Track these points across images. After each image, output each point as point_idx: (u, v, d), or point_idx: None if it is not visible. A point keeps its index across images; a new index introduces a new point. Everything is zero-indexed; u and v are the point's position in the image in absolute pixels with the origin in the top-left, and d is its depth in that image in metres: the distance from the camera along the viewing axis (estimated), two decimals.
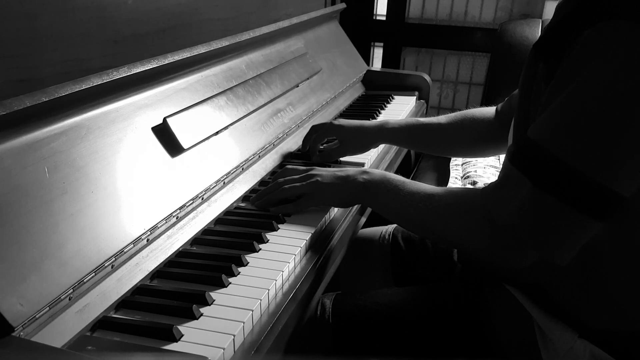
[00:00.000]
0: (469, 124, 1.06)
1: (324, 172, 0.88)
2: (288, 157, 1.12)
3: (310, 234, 0.82)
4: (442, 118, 1.09)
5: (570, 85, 0.60)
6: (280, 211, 0.86)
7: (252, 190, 0.95)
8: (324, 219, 0.87)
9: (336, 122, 1.10)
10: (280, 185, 0.89)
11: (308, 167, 0.91)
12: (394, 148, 1.25)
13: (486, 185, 0.74)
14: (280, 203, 0.88)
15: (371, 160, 1.14)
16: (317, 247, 0.83)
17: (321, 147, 1.14)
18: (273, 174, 1.03)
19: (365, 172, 0.85)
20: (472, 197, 0.73)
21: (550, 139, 0.61)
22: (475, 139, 1.06)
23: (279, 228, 0.83)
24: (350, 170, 0.86)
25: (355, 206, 0.96)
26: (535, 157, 0.62)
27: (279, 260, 0.75)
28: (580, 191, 0.59)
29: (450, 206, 0.75)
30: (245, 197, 0.94)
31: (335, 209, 0.92)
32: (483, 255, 0.77)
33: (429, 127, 1.08)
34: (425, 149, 1.16)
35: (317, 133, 1.11)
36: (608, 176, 0.58)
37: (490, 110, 1.06)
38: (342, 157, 1.11)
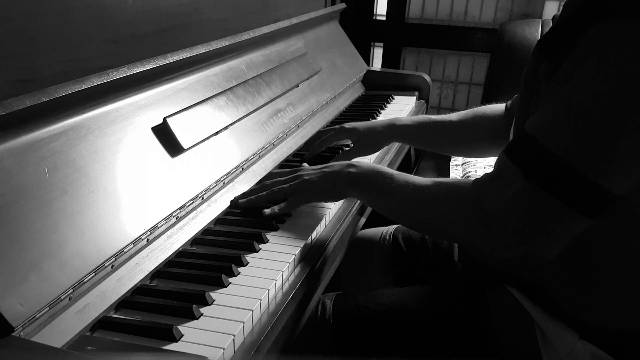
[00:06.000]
0: (480, 121, 1.04)
1: (310, 170, 0.87)
2: (289, 157, 1.12)
3: (310, 235, 0.82)
4: (453, 116, 1.07)
5: (568, 81, 0.61)
6: (273, 213, 0.85)
7: None
8: (323, 219, 0.87)
9: (347, 125, 1.09)
10: (267, 187, 0.88)
11: (294, 169, 0.90)
12: (394, 148, 1.25)
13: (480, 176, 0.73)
14: (268, 204, 0.86)
15: (371, 160, 1.14)
16: (317, 247, 0.83)
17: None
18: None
19: (351, 165, 0.84)
20: (463, 188, 0.73)
21: (544, 132, 0.62)
22: (486, 137, 1.05)
23: (279, 228, 0.83)
24: (337, 165, 0.86)
25: (355, 206, 0.96)
26: (529, 150, 0.63)
27: (279, 260, 0.75)
28: (571, 186, 0.60)
29: (442, 198, 0.74)
30: None
31: (336, 209, 0.92)
32: (474, 246, 0.77)
33: (439, 124, 1.07)
34: (435, 147, 1.14)
35: (326, 135, 1.10)
36: (599, 173, 0.59)
37: (500, 107, 1.04)
38: (355, 158, 1.08)
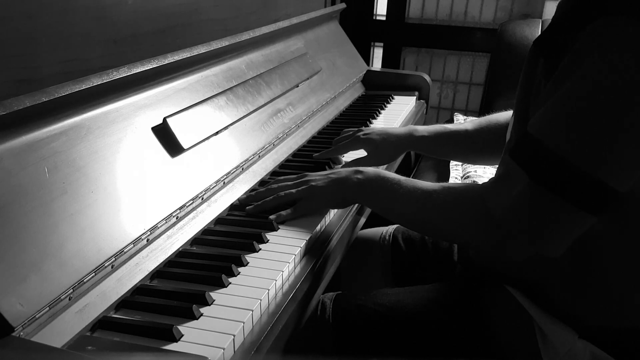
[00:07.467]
0: (495, 129, 1.03)
1: (317, 176, 0.87)
2: (289, 157, 1.11)
3: (310, 234, 0.82)
4: (468, 125, 1.06)
5: (568, 80, 0.61)
6: (279, 219, 0.84)
7: (252, 190, 0.95)
8: (323, 219, 0.87)
9: (363, 135, 1.06)
10: (274, 191, 0.88)
11: (300, 174, 0.90)
12: None
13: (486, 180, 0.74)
14: (275, 209, 0.86)
15: None
16: (317, 247, 0.83)
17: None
18: (273, 174, 1.03)
19: (358, 171, 0.84)
20: (471, 192, 0.74)
21: (546, 132, 0.62)
22: (503, 145, 1.04)
23: (279, 228, 0.83)
24: (343, 171, 0.86)
25: (354, 206, 0.96)
26: (533, 151, 0.63)
27: (279, 260, 0.75)
28: (575, 185, 0.60)
29: (451, 203, 0.75)
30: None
31: (334, 209, 0.92)
32: (480, 248, 0.77)
33: (456, 135, 1.05)
34: (454, 157, 1.12)
35: (341, 143, 1.08)
36: (602, 171, 0.59)
37: (510, 114, 1.03)
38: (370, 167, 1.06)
